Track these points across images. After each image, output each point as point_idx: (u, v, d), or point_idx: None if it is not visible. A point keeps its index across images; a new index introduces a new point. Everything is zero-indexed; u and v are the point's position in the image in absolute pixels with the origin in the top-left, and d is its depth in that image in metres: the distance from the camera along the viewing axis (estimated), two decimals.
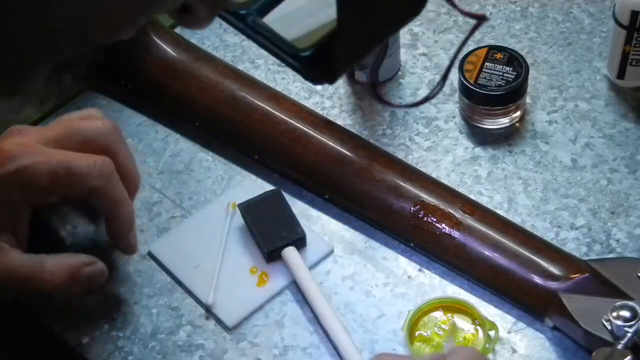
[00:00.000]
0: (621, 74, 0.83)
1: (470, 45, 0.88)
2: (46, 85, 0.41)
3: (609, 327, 0.64)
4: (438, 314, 0.70)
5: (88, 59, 0.42)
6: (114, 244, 0.73)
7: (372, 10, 0.44)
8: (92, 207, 0.72)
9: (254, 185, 0.80)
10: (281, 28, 0.47)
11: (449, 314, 0.70)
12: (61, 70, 0.41)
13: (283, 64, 0.48)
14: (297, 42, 0.46)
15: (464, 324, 0.69)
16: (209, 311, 0.73)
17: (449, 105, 0.85)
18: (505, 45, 0.84)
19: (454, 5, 0.46)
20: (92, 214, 0.78)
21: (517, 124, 0.83)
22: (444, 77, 0.52)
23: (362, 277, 0.74)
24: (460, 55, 0.82)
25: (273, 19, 0.47)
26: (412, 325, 0.69)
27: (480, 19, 0.48)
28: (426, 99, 0.53)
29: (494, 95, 0.80)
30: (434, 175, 0.79)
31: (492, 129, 0.83)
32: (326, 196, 0.79)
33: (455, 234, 0.73)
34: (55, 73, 0.41)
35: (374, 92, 0.50)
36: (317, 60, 0.46)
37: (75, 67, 0.42)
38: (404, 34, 0.90)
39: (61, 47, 0.39)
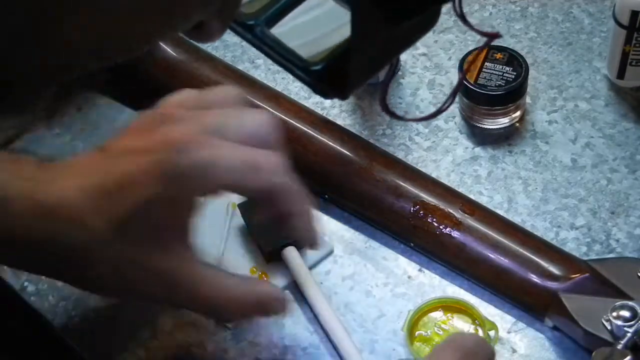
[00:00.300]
0: (621, 74, 0.83)
1: (470, 45, 0.88)
2: (54, 100, 0.40)
3: (609, 327, 0.64)
4: (438, 314, 0.70)
5: (96, 75, 0.41)
6: (299, 240, 0.69)
7: (386, 28, 0.43)
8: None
9: None
10: (290, 40, 0.46)
11: (449, 314, 0.70)
12: (70, 85, 0.40)
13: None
14: (307, 55, 0.46)
15: (464, 324, 0.69)
16: None
17: None
18: (505, 45, 0.84)
19: (469, 25, 0.46)
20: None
21: (517, 124, 0.83)
22: (454, 93, 0.51)
23: (362, 277, 0.74)
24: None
25: (282, 31, 0.46)
26: (412, 325, 0.69)
27: (494, 37, 0.47)
28: (437, 113, 0.52)
29: (494, 95, 0.80)
30: (434, 175, 0.79)
31: (492, 129, 0.83)
32: (326, 196, 0.79)
33: (455, 234, 0.73)
34: (64, 88, 0.40)
35: (385, 106, 0.49)
36: (328, 75, 0.45)
37: (83, 82, 0.41)
38: None
39: (75, 65, 0.38)
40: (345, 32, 0.43)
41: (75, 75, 0.39)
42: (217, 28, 0.43)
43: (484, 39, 0.90)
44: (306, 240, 0.67)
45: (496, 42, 0.87)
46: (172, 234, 0.61)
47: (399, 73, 0.87)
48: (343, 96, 0.46)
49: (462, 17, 0.45)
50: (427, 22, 0.46)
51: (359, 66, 0.44)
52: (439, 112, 0.51)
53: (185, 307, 0.63)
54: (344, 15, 0.43)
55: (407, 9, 0.43)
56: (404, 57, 0.88)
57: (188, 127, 0.62)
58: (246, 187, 0.62)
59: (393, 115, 0.50)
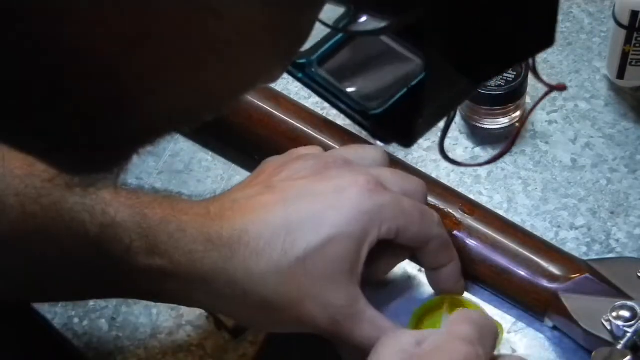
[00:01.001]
0: (621, 74, 0.83)
1: None
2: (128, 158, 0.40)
3: (609, 327, 0.64)
4: (444, 313, 0.70)
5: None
6: (444, 289, 0.70)
7: (458, 77, 0.42)
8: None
9: None
10: (343, 80, 0.45)
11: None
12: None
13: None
14: (362, 97, 0.44)
15: None
16: (209, 311, 0.73)
17: None
18: None
19: (540, 79, 0.45)
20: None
21: (517, 124, 0.83)
22: (513, 139, 0.51)
23: None
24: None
25: (334, 70, 0.45)
26: (417, 323, 0.69)
27: (560, 90, 0.48)
28: (496, 158, 0.52)
29: (493, 95, 0.80)
30: (433, 175, 0.79)
31: (492, 129, 0.83)
32: None
33: (455, 234, 0.73)
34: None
35: (443, 152, 0.48)
36: (389, 121, 0.44)
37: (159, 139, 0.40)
38: None
39: (162, 128, 0.38)
40: (407, 77, 0.42)
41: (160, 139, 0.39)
42: (278, 74, 0.41)
43: None
44: (453, 290, 0.70)
45: None
46: (346, 270, 0.63)
47: None
48: (407, 144, 0.45)
49: (534, 70, 0.45)
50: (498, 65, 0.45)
51: (426, 116, 0.43)
52: (500, 156, 0.51)
53: (338, 341, 0.64)
54: (404, 60, 0.42)
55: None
56: None
57: (359, 174, 0.65)
58: (417, 232, 0.66)
59: (452, 161, 0.50)
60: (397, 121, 0.44)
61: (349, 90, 0.45)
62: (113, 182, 0.39)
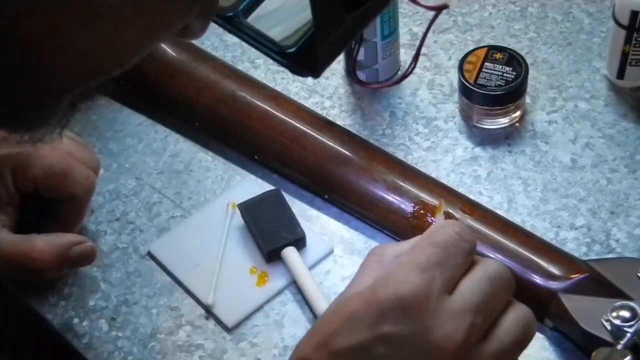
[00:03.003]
0: (621, 74, 0.83)
1: (470, 45, 0.88)
2: (64, 114, 0.44)
3: (609, 327, 0.64)
4: None
5: (99, 87, 0.45)
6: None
7: (345, 14, 0.48)
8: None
9: (253, 185, 0.80)
10: (265, 27, 0.50)
11: None
12: (75, 100, 0.44)
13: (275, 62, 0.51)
14: (281, 39, 0.50)
15: None
16: (208, 311, 0.73)
17: (449, 105, 0.85)
18: (504, 45, 0.84)
19: (419, 3, 0.50)
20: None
21: (517, 124, 0.83)
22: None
23: None
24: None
25: (258, 19, 0.51)
26: None
27: (442, 9, 0.51)
28: (403, 77, 0.54)
29: (493, 95, 0.80)
30: (433, 175, 0.79)
31: (491, 129, 0.83)
32: (326, 196, 0.79)
33: None
34: (70, 103, 0.44)
35: (354, 76, 0.52)
36: (301, 57, 0.49)
37: (87, 95, 0.45)
38: (404, 34, 0.90)
39: (74, 85, 0.42)
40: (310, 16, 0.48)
41: (78, 92, 0.43)
42: (199, 28, 0.47)
43: (484, 40, 0.91)
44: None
45: (496, 42, 0.88)
46: None
47: (399, 73, 0.87)
48: (315, 75, 0.51)
49: None
50: (381, 3, 0.51)
51: (325, 49, 0.49)
52: (405, 76, 0.52)
53: (11, 276, 0.71)
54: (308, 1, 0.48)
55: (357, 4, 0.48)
56: (403, 57, 0.88)
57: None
58: (46, 185, 0.72)
59: (361, 83, 0.51)
60: (306, 56, 0.49)
61: (271, 35, 0.50)
62: (58, 135, 0.44)
